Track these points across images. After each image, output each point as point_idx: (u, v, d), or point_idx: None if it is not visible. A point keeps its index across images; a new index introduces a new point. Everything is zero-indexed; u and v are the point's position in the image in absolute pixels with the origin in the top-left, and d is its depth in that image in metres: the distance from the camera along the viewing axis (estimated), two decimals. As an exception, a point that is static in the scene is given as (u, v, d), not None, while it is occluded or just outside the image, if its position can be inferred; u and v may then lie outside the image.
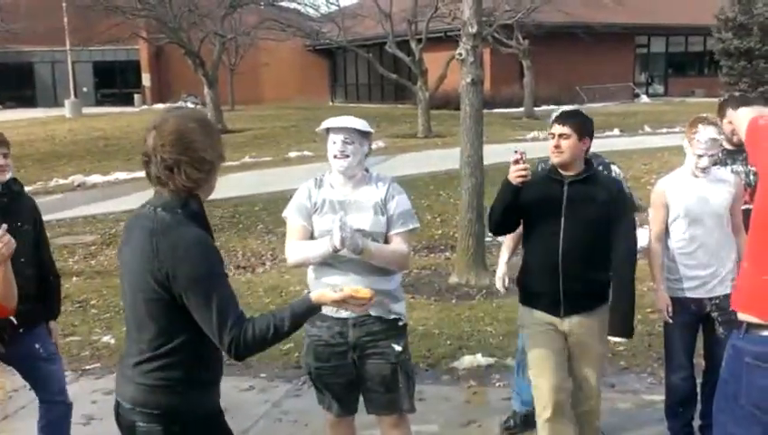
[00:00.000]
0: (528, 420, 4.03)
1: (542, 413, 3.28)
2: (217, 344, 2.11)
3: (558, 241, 3.20)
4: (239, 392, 4.70)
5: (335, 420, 3.26)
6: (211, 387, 2.28)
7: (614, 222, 3.22)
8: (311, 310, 2.20)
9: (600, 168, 3.82)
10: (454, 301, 6.58)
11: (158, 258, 2.10)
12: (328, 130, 3.07)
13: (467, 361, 5.00)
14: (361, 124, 3.06)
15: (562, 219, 3.20)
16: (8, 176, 3.32)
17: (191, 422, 2.20)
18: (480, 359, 5.00)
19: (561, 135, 3.19)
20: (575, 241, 3.18)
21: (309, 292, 2.36)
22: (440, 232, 9.52)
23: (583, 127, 3.23)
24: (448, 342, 5.36)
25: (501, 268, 4.03)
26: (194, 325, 2.12)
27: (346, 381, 3.14)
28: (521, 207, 3.27)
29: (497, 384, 4.68)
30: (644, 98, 31.50)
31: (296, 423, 4.26)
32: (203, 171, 2.17)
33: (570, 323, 3.29)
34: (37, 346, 3.46)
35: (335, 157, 3.03)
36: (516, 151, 3.17)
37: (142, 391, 2.18)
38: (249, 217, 10.60)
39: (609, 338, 3.31)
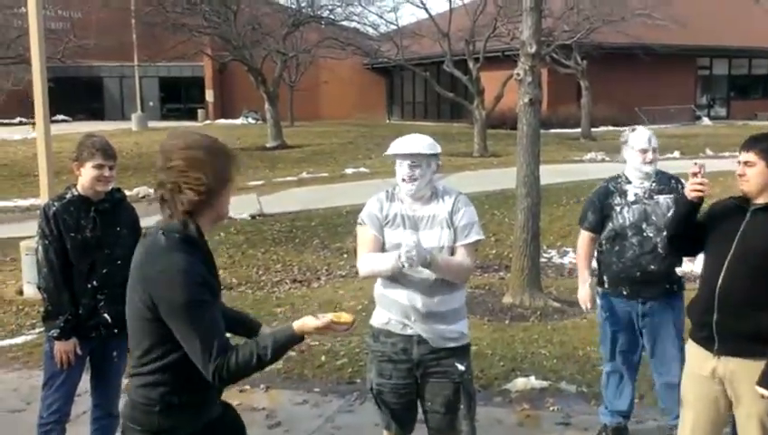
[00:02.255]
0: (620, 432, 4.12)
1: None
2: (202, 371, 2.11)
3: (721, 269, 2.95)
4: (293, 406, 4.79)
5: None
6: (197, 408, 2.27)
7: None
8: (293, 338, 2.16)
9: (673, 182, 3.92)
10: (507, 321, 6.56)
11: (146, 281, 2.15)
12: (396, 154, 3.11)
13: (520, 383, 4.97)
14: (427, 147, 3.08)
15: (732, 248, 2.94)
16: (111, 186, 3.56)
17: None
18: (533, 382, 4.97)
19: (746, 163, 2.95)
20: (740, 273, 2.92)
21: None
22: (494, 252, 9.50)
23: None
24: (501, 363, 5.35)
25: (583, 290, 4.06)
26: (181, 348, 2.15)
27: (407, 401, 3.16)
28: (699, 228, 3.09)
29: (551, 408, 4.65)
30: (705, 120, 30.77)
31: (349, 438, 4.32)
32: (201, 197, 2.17)
33: (726, 366, 2.97)
34: (114, 354, 3.65)
35: (403, 180, 3.07)
36: (696, 163, 3.02)
37: (129, 405, 2.27)
38: (306, 231, 10.77)
39: (757, 389, 2.88)
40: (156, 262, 2.15)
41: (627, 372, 4.09)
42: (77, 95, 35.25)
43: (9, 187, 15.90)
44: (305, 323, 2.15)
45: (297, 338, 2.16)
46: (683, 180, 3.95)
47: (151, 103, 38.69)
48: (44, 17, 9.06)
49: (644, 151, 3.88)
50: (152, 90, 39.46)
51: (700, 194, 3.00)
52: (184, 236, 2.18)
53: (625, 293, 3.94)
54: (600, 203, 4.01)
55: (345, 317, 2.18)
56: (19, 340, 6.22)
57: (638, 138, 3.92)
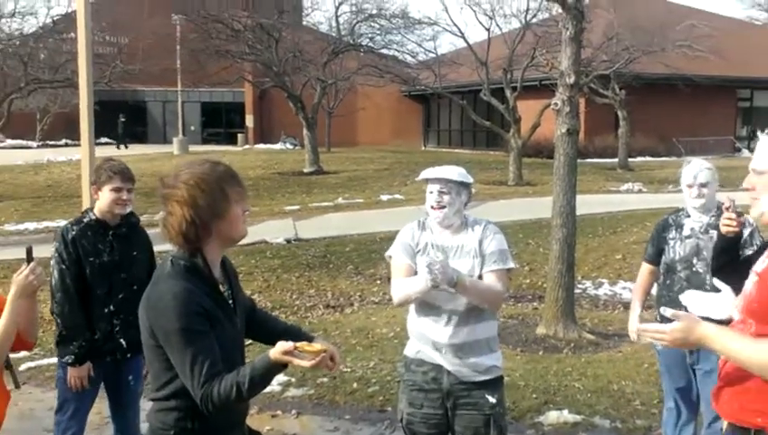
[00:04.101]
0: None
1: None
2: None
3: None
4: (324, 432, 4.80)
5: None
6: (213, 433, 2.26)
7: None
8: (270, 365, 2.11)
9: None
10: (541, 353, 6.49)
11: (147, 308, 2.20)
12: (426, 180, 3.12)
13: (553, 416, 4.91)
14: (458, 174, 3.08)
15: None
16: (129, 209, 3.59)
17: None
18: (566, 415, 4.90)
19: None
20: None
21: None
22: (528, 281, 9.42)
23: None
24: (534, 395, 5.29)
25: (632, 321, 4.02)
26: None
27: (436, 432, 3.13)
28: (747, 263, 2.97)
29: (583, 443, 4.58)
30: (745, 152, 30.16)
31: (378, 466, 4.30)
32: (188, 231, 2.19)
33: None
34: (130, 378, 3.67)
35: (432, 208, 3.07)
36: (728, 198, 2.98)
37: (149, 429, 2.31)
38: (340, 257, 10.82)
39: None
40: (155, 289, 2.20)
41: (685, 408, 4.02)
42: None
43: (53, 207, 16.31)
44: (276, 348, 2.11)
45: (275, 365, 2.11)
46: (747, 214, 3.90)
47: (192, 127, 39.46)
48: (93, 43, 9.36)
49: (690, 187, 3.86)
50: (194, 114, 40.28)
51: (730, 229, 2.94)
52: (189, 265, 2.21)
53: None
54: (658, 235, 4.02)
55: (316, 347, 2.13)
56: (57, 359, 6.34)
57: (686, 172, 3.89)
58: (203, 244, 2.23)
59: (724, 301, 2.52)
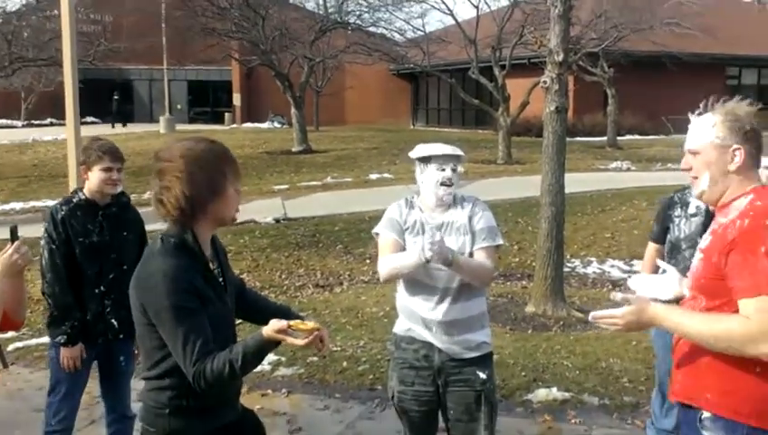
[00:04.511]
0: None
1: None
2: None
3: None
4: (315, 411, 4.81)
5: None
6: (208, 412, 2.27)
7: None
8: (263, 343, 2.10)
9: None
10: (530, 331, 6.53)
11: (137, 286, 2.19)
12: (430, 158, 3.08)
13: (542, 394, 4.94)
14: (461, 152, 3.13)
15: None
16: (119, 189, 3.56)
17: None
18: (555, 393, 4.94)
19: None
20: None
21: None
22: (517, 260, 9.46)
23: None
24: (523, 373, 5.33)
25: None
26: None
27: (428, 409, 3.14)
28: None
29: (572, 421, 4.61)
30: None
31: (369, 445, 4.32)
32: (184, 211, 2.17)
33: None
34: (121, 359, 3.66)
35: (444, 184, 3.04)
36: None
37: (142, 408, 2.30)
38: (329, 236, 10.81)
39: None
40: (146, 266, 2.19)
41: None
42: (107, 97, 35.74)
43: (39, 187, 16.18)
44: (270, 325, 2.10)
45: (268, 343, 2.11)
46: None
47: (179, 106, 39.15)
48: (77, 20, 9.23)
49: None
50: (180, 93, 39.93)
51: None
52: (179, 242, 2.19)
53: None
54: (663, 213, 3.96)
55: (310, 325, 2.13)
56: (45, 339, 6.30)
57: None
58: (196, 221, 2.22)
59: (669, 282, 2.57)
